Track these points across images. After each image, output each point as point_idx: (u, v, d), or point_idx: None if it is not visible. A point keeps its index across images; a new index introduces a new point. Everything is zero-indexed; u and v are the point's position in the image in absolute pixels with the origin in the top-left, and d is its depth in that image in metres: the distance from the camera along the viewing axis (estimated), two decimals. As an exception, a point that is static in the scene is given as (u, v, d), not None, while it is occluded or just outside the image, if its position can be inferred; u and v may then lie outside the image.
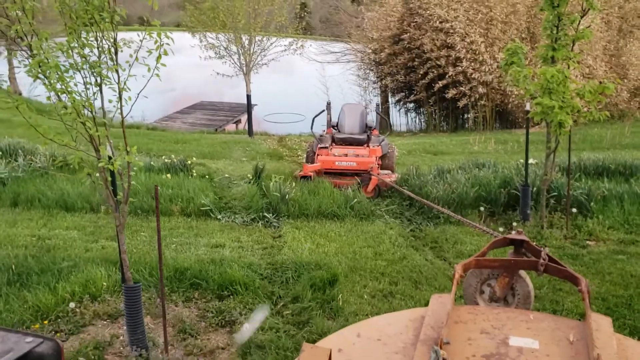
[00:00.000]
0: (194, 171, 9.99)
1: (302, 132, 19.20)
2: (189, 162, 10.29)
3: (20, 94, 28.95)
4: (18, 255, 6.06)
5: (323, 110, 11.04)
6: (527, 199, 7.72)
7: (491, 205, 8.13)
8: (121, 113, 4.04)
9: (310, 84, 23.92)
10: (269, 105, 24.02)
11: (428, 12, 18.26)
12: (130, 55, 4.14)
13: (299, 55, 18.03)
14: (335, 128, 10.86)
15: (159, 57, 3.90)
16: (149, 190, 8.49)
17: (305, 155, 10.98)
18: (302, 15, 18.33)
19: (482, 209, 7.99)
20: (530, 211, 7.73)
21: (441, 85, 18.49)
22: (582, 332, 2.27)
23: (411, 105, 21.81)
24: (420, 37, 18.81)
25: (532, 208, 7.81)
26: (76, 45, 3.64)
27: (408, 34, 19.23)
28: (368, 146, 9.99)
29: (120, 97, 3.98)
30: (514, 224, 7.58)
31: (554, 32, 6.85)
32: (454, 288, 2.48)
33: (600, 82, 6.92)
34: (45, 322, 4.78)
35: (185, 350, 4.44)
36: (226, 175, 10.37)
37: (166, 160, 10.36)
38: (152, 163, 10.27)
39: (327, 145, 10.08)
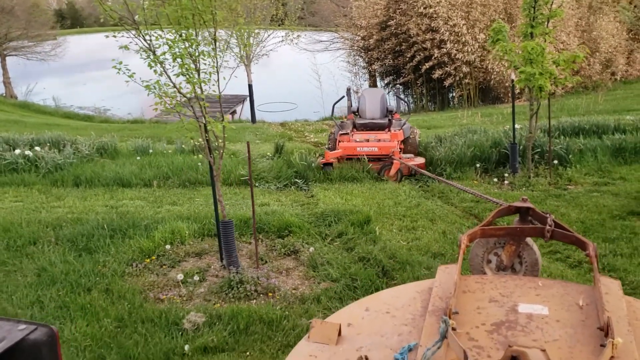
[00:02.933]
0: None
1: (296, 119, 20.47)
2: (216, 143, 11.59)
3: (16, 97, 29.95)
4: (105, 218, 7.36)
5: (343, 97, 11.19)
6: (516, 154, 9.13)
7: (485, 162, 9.54)
8: (218, 88, 5.34)
9: (300, 73, 25.19)
10: (261, 95, 25.23)
11: (413, -1, 19.65)
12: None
13: (291, 46, 19.19)
14: (357, 114, 10.88)
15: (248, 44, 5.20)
16: (190, 167, 9.81)
17: (325, 144, 11.01)
18: (298, 7, 19.50)
19: (477, 165, 9.41)
20: (518, 165, 9.14)
21: (427, 66, 19.89)
22: (591, 296, 2.27)
23: (400, 87, 23.21)
24: (406, 23, 20.19)
25: (520, 162, 9.22)
26: (184, 39, 4.95)
27: (394, 20, 20.60)
28: (389, 130, 9.98)
29: (218, 78, 5.29)
30: (506, 175, 9.00)
31: (532, 12, 8.25)
32: (460, 258, 2.51)
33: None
34: (149, 259, 6.11)
35: (267, 269, 5.80)
36: (244, 156, 11.68)
37: (195, 143, 11.65)
38: (183, 146, 11.60)
39: (349, 131, 10.13)
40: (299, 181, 9.20)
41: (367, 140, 9.68)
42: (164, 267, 5.99)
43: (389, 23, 20.84)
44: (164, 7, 4.83)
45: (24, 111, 25.39)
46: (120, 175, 9.56)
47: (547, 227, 2.70)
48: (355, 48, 23.05)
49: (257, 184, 9.33)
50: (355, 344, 2.14)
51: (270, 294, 5.21)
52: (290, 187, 9.12)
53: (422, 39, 19.80)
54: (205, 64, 5.28)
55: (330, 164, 9.30)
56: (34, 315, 4.84)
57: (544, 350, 1.90)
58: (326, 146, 10.40)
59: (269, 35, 17.82)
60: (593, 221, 6.89)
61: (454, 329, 1.98)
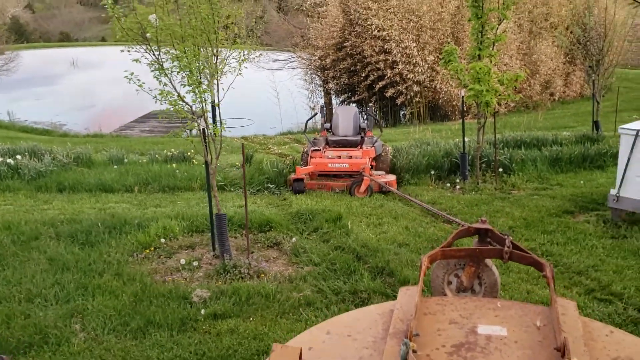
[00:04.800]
0: (194, 161, 12.04)
1: (255, 133, 21.28)
2: (188, 153, 12.33)
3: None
4: (97, 217, 7.99)
5: (316, 113, 11.53)
6: (465, 163, 10.21)
7: (438, 170, 10.58)
8: (217, 98, 6.14)
9: (257, 90, 26.03)
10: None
11: (367, 22, 20.85)
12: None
13: (249, 64, 20.01)
14: (330, 130, 11.04)
15: (241, 62, 6.04)
16: (167, 174, 10.50)
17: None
18: (258, 27, 20.39)
19: (432, 173, 10.45)
20: (468, 172, 10.22)
21: (381, 85, 21.09)
22: (548, 317, 2.32)
23: (354, 104, 24.36)
24: (361, 44, 21.38)
25: (469, 170, 10.31)
26: (193, 54, 5.76)
27: (350, 41, 21.77)
28: (361, 147, 10.19)
29: (218, 89, 6.10)
30: (457, 181, 10.06)
31: (479, 36, 9.40)
32: (421, 280, 2.53)
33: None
34: (148, 250, 6.81)
35: (256, 256, 6.59)
36: (218, 164, 12.42)
37: (168, 153, 12.37)
38: (156, 156, 12.27)
39: (321, 147, 10.27)
40: (271, 186, 10.02)
41: (339, 157, 9.91)
42: (161, 257, 6.70)
43: (344, 44, 21.99)
44: (177, 27, 5.61)
45: (-23, 126, 25.35)
46: (103, 181, 10.17)
47: (506, 248, 2.77)
48: (312, 67, 24.09)
49: (231, 189, 10.09)
50: None
51: (262, 276, 6.01)
52: (263, 191, 9.93)
53: (376, 60, 21.00)
54: (207, 77, 6.07)
55: (301, 180, 9.52)
56: (57, 294, 5.50)
57: None
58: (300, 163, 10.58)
59: (231, 54, 18.55)
60: (534, 218, 7.96)
61: (414, 351, 2.02)
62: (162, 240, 7.06)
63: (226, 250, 6.39)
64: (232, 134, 22.13)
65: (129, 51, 5.92)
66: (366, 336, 2.29)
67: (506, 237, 2.86)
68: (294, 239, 7.01)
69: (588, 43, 13.59)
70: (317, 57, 23.07)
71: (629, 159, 7.18)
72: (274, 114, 23.65)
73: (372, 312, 2.47)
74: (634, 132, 7.09)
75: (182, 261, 6.32)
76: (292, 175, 9.74)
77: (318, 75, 24.35)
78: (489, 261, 2.94)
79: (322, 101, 24.38)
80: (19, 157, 11.01)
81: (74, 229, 7.41)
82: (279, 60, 27.20)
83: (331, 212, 7.99)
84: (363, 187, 9.31)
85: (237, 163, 12.05)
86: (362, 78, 21.73)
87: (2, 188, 9.97)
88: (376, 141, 10.42)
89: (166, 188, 10.06)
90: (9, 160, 10.84)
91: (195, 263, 6.32)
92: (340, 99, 24.48)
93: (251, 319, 5.07)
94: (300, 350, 2.05)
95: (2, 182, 10.16)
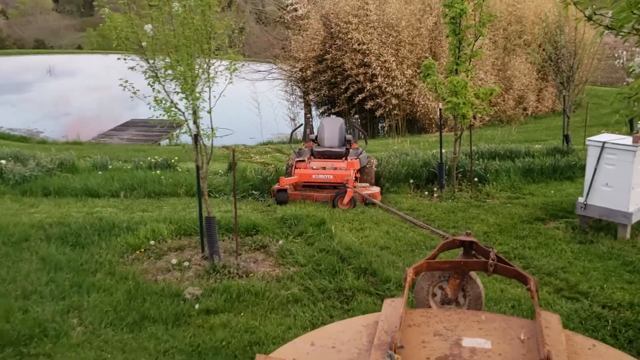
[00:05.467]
0: (178, 168, 12.27)
1: (235, 143, 21.54)
2: (172, 160, 12.55)
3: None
4: (85, 220, 8.18)
5: (301, 124, 11.54)
6: (442, 172, 10.61)
7: (417, 179, 10.96)
8: (209, 105, 6.42)
9: (237, 101, 26.33)
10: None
11: (347, 35, 21.31)
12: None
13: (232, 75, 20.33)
14: (315, 141, 11.07)
15: (232, 72, 6.34)
16: (152, 180, 10.71)
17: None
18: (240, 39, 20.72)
19: (411, 181, 10.83)
20: (445, 181, 10.62)
21: (360, 98, 21.54)
22: (532, 330, 2.34)
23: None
24: (341, 57, 21.82)
25: (446, 179, 10.70)
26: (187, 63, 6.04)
27: (330, 54, 22.21)
28: (346, 159, 10.27)
29: (210, 97, 6.38)
30: (435, 189, 10.44)
31: (457, 52, 9.83)
32: (406, 292, 2.54)
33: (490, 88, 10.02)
34: (138, 252, 7.03)
35: (244, 258, 6.86)
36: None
37: (152, 160, 12.57)
38: (140, 163, 12.46)
39: (306, 158, 10.32)
40: (255, 193, 10.30)
41: (324, 168, 9.96)
42: (151, 258, 6.92)
43: (325, 57, 22.42)
44: (171, 37, 5.90)
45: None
46: (88, 186, 10.34)
47: (490, 261, 2.80)
48: (293, 79, 24.47)
49: (216, 195, 10.34)
50: None
51: (250, 275, 6.28)
52: (248, 197, 10.20)
53: (356, 73, 21.46)
54: (199, 85, 6.36)
55: (285, 190, 9.56)
56: (53, 291, 5.71)
57: None
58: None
59: (212, 65, 18.83)
60: (507, 224, 8.37)
61: None
62: (152, 242, 7.29)
63: (215, 252, 6.65)
64: (213, 144, 22.41)
65: (125, 59, 6.17)
66: (350, 348, 2.29)
67: (491, 250, 2.89)
68: (280, 242, 7.30)
69: (559, 60, 14.14)
70: (298, 69, 23.45)
71: (595, 169, 7.63)
72: (255, 124, 23.94)
73: (356, 324, 2.47)
74: (600, 144, 7.54)
75: (174, 261, 6.57)
76: (276, 186, 9.77)
77: (299, 87, 24.72)
78: (473, 274, 2.98)
79: (302, 112, 24.74)
80: (3, 161, 11.11)
81: (63, 231, 7.59)
82: (260, 71, 27.53)
83: (315, 218, 8.29)
84: (346, 199, 9.36)
85: (220, 170, 12.31)
86: (342, 90, 22.16)
87: (-13, 192, 10.09)
88: (361, 153, 10.48)
89: (152, 194, 10.27)
90: (-7, 165, 10.95)
91: (186, 263, 6.57)
92: (321, 111, 24.87)
93: (242, 314, 5.34)
94: None
95: (-13, 186, 10.28)
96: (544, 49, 15.11)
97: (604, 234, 7.64)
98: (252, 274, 6.30)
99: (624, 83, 12.89)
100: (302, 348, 2.32)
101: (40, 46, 65.21)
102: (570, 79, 13.69)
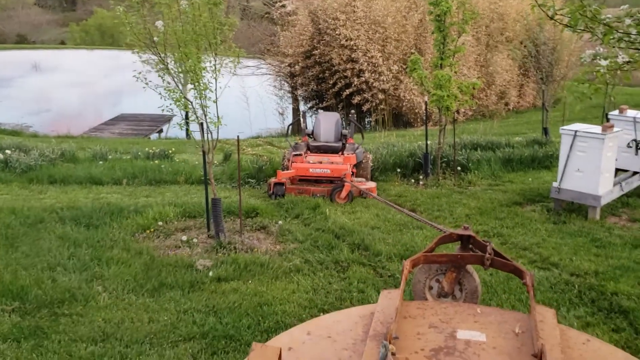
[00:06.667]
0: (175, 158, 12.81)
1: (226, 137, 22.06)
2: (170, 151, 13.09)
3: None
4: (94, 205, 8.72)
5: (298, 118, 11.98)
6: (428, 162, 11.26)
7: (404, 168, 11.60)
8: (215, 96, 7.00)
9: (225, 96, 26.83)
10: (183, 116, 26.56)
11: (335, 32, 21.89)
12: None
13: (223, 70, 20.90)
14: (311, 136, 11.09)
15: (235, 65, 6.92)
16: (152, 169, 11.26)
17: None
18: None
19: (398, 170, 11.48)
20: (430, 170, 11.28)
21: (348, 93, 22.14)
22: (527, 324, 2.36)
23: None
24: (329, 53, 22.39)
25: (431, 168, 11.36)
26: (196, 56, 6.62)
27: (318, 50, 22.77)
28: (343, 154, 10.25)
29: (216, 87, 6.96)
30: (420, 177, 11.10)
31: (441, 47, 10.49)
32: (402, 284, 2.56)
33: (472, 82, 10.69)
34: (148, 231, 7.60)
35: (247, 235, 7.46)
36: (196, 162, 13.23)
37: (150, 151, 13.11)
38: (139, 153, 12.99)
39: (302, 152, 10.31)
40: (251, 180, 10.88)
41: (321, 162, 9.93)
42: (160, 237, 7.50)
43: (313, 52, 22.98)
44: (181, 32, 6.47)
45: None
46: (92, 174, 10.85)
47: (487, 255, 2.82)
48: (282, 74, 25.01)
49: (215, 183, 10.89)
50: None
51: (255, 250, 6.89)
52: (244, 185, 10.78)
53: (343, 68, 22.05)
54: (206, 77, 6.94)
55: (282, 184, 9.59)
56: (75, 264, 6.26)
57: None
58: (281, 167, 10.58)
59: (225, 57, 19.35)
60: (487, 208, 9.04)
61: (393, 354, 2.03)
62: (160, 223, 7.86)
63: (221, 230, 7.24)
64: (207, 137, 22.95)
65: (139, 54, 6.72)
66: (346, 338, 2.32)
67: (488, 244, 2.92)
68: (279, 222, 7.91)
69: (539, 57, 14.85)
70: (286, 64, 23.99)
71: (568, 155, 8.31)
72: (243, 118, 24.45)
73: (353, 314, 2.50)
74: (573, 133, 8.23)
75: (184, 238, 7.15)
76: (273, 179, 9.80)
77: (287, 82, 25.26)
78: (470, 267, 3.01)
79: (290, 107, 25.30)
80: (8, 151, 11.59)
81: (75, 214, 8.14)
82: (248, 67, 28.04)
83: (310, 202, 8.90)
84: (344, 193, 9.41)
85: (215, 161, 12.85)
86: (330, 85, 22.73)
87: (-5, 180, 10.57)
88: (357, 148, 10.51)
89: (153, 181, 10.81)
90: (-2, 154, 11.43)
91: (195, 240, 7.16)
92: (309, 105, 25.43)
93: (250, 281, 5.95)
94: (280, 350, 2.09)
95: (-6, 174, 10.76)
96: (525, 46, 15.81)
97: (576, 215, 8.34)
98: (255, 250, 6.90)
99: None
100: (298, 337, 2.36)
101: (22, 41, 64.95)
102: (550, 75, 14.41)
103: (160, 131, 26.77)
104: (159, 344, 4.68)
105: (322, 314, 5.26)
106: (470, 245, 3.01)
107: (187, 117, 7.51)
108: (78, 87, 36.78)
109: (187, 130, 18.34)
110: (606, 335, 4.85)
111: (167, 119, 27.07)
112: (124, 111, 29.87)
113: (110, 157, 12.70)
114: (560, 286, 5.82)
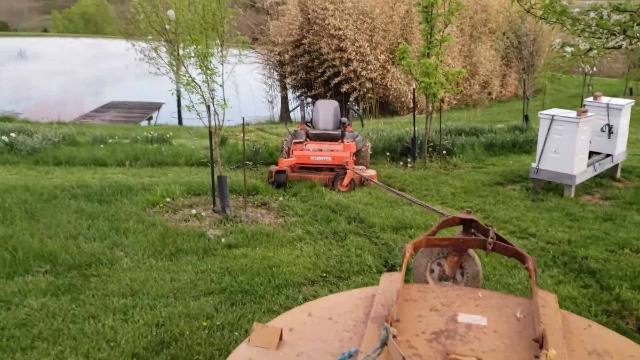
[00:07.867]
0: (173, 142, 13.33)
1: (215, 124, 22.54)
2: (168, 135, 13.61)
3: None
4: (102, 184, 9.23)
5: (297, 106, 11.99)
6: (415, 146, 11.92)
7: (392, 152, 12.26)
8: (222, 79, 7.55)
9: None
10: (173, 104, 26.95)
11: (324, 21, 22.45)
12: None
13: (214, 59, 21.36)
14: (309, 124, 11.11)
15: (240, 53, 7.47)
16: (153, 152, 11.78)
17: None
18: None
19: (387, 154, 12.12)
20: (417, 154, 11.94)
21: (336, 81, 22.74)
22: (528, 309, 2.36)
23: (310, 99, 25.96)
24: (318, 42, 22.96)
25: (418, 152, 12.02)
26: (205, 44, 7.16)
27: (307, 39, 23.32)
28: (342, 142, 10.25)
29: (222, 74, 7.52)
30: (408, 161, 11.75)
31: (428, 37, 11.11)
32: (404, 267, 2.55)
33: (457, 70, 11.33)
34: (157, 206, 8.15)
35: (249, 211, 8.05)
36: (193, 147, 13.76)
37: (148, 135, 13.61)
38: (137, 137, 13.49)
39: (302, 140, 10.32)
40: (249, 163, 11.45)
41: (321, 150, 9.94)
42: (169, 212, 8.06)
43: (302, 42, 23.53)
44: (192, 21, 7.02)
45: None
46: (96, 156, 11.36)
47: (489, 239, 2.81)
48: (271, 63, 25.51)
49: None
50: (296, 349, 2.19)
51: (259, 223, 7.48)
52: (242, 168, 11.35)
53: (332, 57, 22.63)
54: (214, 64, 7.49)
55: (284, 171, 9.52)
56: (95, 234, 6.81)
57: None
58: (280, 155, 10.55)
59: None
60: (471, 187, 9.72)
61: (394, 336, 2.03)
62: (167, 199, 8.42)
63: (227, 205, 7.82)
64: (192, 123, 23.43)
65: (151, 42, 7.26)
66: (347, 319, 2.33)
67: (490, 228, 2.91)
68: (280, 199, 8.51)
69: (521, 47, 15.52)
70: (276, 53, 24.50)
71: (546, 138, 9.00)
72: (233, 106, 24.91)
73: (354, 296, 2.50)
74: (550, 117, 8.91)
75: (193, 211, 7.72)
76: (274, 167, 9.73)
77: (276, 71, 25.78)
78: (471, 251, 3.00)
79: (279, 95, 25.82)
80: (13, 134, 12.04)
81: (86, 191, 8.66)
82: (236, 55, 28.47)
83: (306, 182, 9.50)
84: (346, 181, 9.45)
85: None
86: (318, 74, 23.31)
87: (2, 161, 11.02)
88: (357, 136, 10.56)
89: (154, 163, 11.35)
90: (3, 137, 11.87)
91: (203, 213, 7.74)
92: (297, 94, 25.98)
93: (257, 248, 6.55)
94: (281, 330, 2.10)
95: (1, 156, 11.20)
96: (507, 37, 16.46)
97: (552, 194, 9.04)
98: (259, 222, 7.51)
99: (579, 69, 14.32)
100: (299, 318, 2.38)
101: (3, 28, 64.46)
102: (531, 65, 15.10)
103: (150, 118, 27.16)
104: (182, 297, 5.27)
105: (325, 275, 5.89)
106: (473, 230, 3.03)
107: (179, 105, 8.08)
108: (65, 74, 36.92)
109: (179, 113, 18.55)
110: (575, 290, 5.53)
111: (157, 107, 27.54)
112: (113, 99, 30.16)
113: (110, 141, 13.18)
114: (537, 252, 6.49)
